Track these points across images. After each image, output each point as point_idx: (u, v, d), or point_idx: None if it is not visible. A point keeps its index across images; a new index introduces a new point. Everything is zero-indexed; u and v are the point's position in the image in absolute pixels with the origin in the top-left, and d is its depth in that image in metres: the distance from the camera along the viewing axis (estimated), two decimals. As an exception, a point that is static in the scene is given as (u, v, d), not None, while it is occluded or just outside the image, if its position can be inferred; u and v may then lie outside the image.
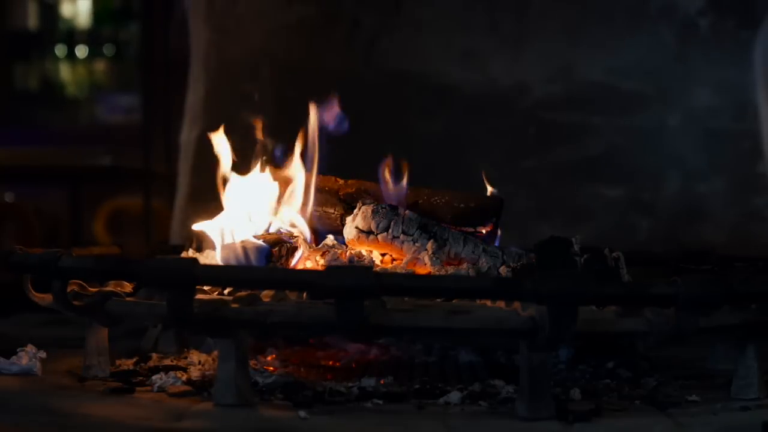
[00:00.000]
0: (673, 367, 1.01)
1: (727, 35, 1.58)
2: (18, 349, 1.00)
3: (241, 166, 1.12)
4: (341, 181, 1.12)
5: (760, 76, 1.57)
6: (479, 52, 1.62)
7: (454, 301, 0.91)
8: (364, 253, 1.03)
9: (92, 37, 2.88)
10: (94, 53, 2.88)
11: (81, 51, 2.87)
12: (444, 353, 0.97)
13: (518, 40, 1.61)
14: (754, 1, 1.59)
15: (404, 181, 1.07)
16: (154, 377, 0.94)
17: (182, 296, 0.84)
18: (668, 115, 1.60)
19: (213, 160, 1.11)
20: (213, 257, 1.05)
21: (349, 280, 0.80)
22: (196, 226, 1.05)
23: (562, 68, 1.61)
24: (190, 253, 1.09)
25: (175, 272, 0.84)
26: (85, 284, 0.96)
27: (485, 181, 1.10)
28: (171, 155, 1.74)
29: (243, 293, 0.89)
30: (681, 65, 1.59)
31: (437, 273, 0.99)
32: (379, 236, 1.03)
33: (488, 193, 1.10)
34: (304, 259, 1.03)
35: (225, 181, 1.09)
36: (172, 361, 1.03)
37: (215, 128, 1.14)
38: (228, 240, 1.04)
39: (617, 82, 1.60)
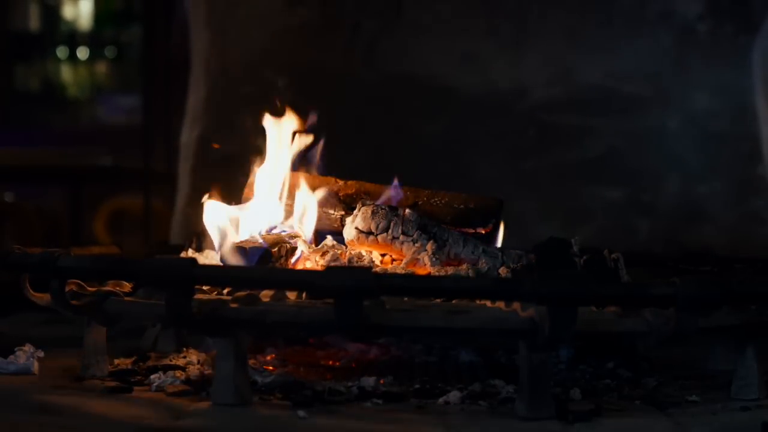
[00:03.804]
0: (673, 367, 1.01)
1: (726, 40, 1.60)
2: (16, 349, 0.99)
3: (242, 168, 1.12)
4: (341, 182, 1.12)
5: (758, 79, 1.58)
6: (479, 55, 1.63)
7: (453, 301, 0.91)
8: (364, 253, 1.03)
9: (94, 38, 2.89)
10: (95, 55, 2.89)
11: (82, 52, 2.88)
12: (444, 353, 0.97)
13: (518, 43, 1.62)
14: (752, 6, 1.60)
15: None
16: (152, 376, 0.94)
17: (181, 296, 0.84)
18: (668, 118, 1.61)
19: (213, 161, 1.11)
20: (213, 257, 1.05)
21: (348, 281, 0.80)
22: (207, 210, 1.04)
23: (562, 71, 1.62)
24: (190, 253, 1.09)
25: (173, 272, 0.84)
26: (83, 284, 0.96)
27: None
28: (171, 156, 1.74)
29: (242, 293, 0.89)
30: (680, 69, 1.60)
31: (437, 273, 0.99)
32: (379, 237, 1.03)
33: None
34: (304, 259, 1.03)
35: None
36: (170, 361, 1.02)
37: (215, 129, 1.14)
38: (229, 239, 1.04)
39: (617, 85, 1.61)
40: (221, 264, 1.01)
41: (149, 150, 2.15)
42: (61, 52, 2.87)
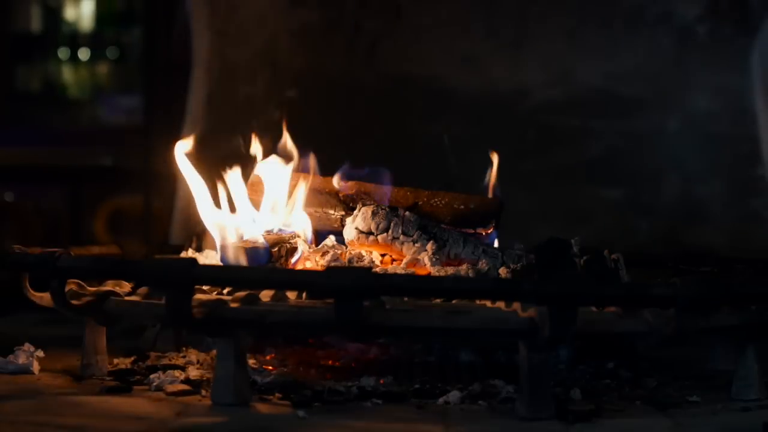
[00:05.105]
0: (673, 368, 1.01)
1: (725, 41, 1.60)
2: (15, 348, 0.99)
3: (243, 167, 1.12)
4: (341, 183, 1.12)
5: (757, 80, 1.58)
6: (479, 57, 1.63)
7: (453, 301, 0.91)
8: (364, 253, 1.04)
9: (95, 39, 2.89)
10: (96, 56, 2.89)
11: (83, 53, 2.89)
12: (444, 353, 0.97)
13: (518, 44, 1.62)
14: (751, 7, 1.60)
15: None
16: (152, 376, 0.94)
17: (181, 296, 0.84)
18: (667, 119, 1.61)
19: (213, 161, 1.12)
20: (213, 257, 1.05)
21: (348, 281, 0.80)
22: (204, 218, 1.04)
23: (562, 73, 1.62)
24: (190, 253, 1.09)
25: (173, 272, 0.84)
26: (83, 284, 0.96)
27: (492, 181, 1.10)
28: (172, 156, 1.74)
29: (242, 293, 0.89)
30: (679, 70, 1.60)
31: (437, 274, 0.99)
32: (379, 237, 1.03)
33: (489, 195, 1.10)
34: (304, 259, 1.03)
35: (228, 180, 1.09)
36: (170, 360, 1.02)
37: (215, 130, 1.14)
38: (229, 239, 1.04)
39: (616, 86, 1.61)
40: (221, 264, 1.01)
41: (149, 150, 2.15)
42: (63, 52, 2.88)
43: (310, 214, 1.09)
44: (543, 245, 1.00)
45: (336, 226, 1.09)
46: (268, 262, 0.99)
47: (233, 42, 1.68)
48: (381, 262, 1.04)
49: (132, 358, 1.03)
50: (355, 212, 1.06)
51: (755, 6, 1.60)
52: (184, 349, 1.06)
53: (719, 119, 1.60)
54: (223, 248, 1.02)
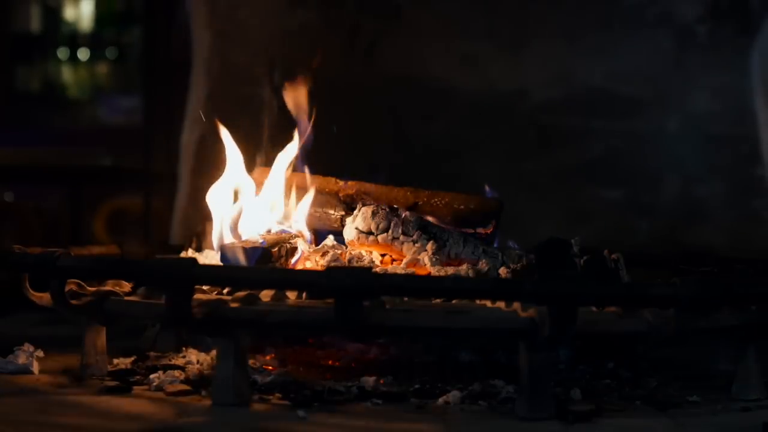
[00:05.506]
0: (673, 368, 1.01)
1: (725, 42, 1.60)
2: (15, 348, 0.99)
3: (243, 167, 1.12)
4: (341, 183, 1.13)
5: (757, 81, 1.58)
6: (479, 57, 1.63)
7: (453, 301, 0.91)
8: (364, 253, 1.04)
9: (94, 39, 2.90)
10: (96, 56, 2.90)
11: (83, 53, 2.89)
12: (444, 353, 0.97)
13: (517, 45, 1.62)
14: (751, 8, 1.61)
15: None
16: (152, 376, 0.94)
17: (181, 296, 0.84)
18: (667, 120, 1.61)
19: (213, 161, 1.12)
20: (213, 257, 1.05)
21: (349, 281, 0.80)
22: (210, 202, 1.04)
23: (562, 73, 1.62)
24: (190, 253, 1.09)
25: (173, 272, 0.85)
26: (83, 284, 0.96)
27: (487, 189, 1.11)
28: (171, 156, 1.75)
29: (242, 293, 0.89)
30: (679, 71, 1.61)
31: (437, 274, 1.00)
32: (379, 237, 1.03)
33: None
34: (304, 259, 1.03)
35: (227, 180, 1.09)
36: (170, 360, 1.03)
37: (215, 130, 1.15)
38: (227, 239, 1.04)
39: (616, 87, 1.61)
40: (221, 264, 1.01)
41: (149, 150, 2.15)
42: (62, 53, 2.89)
43: (310, 214, 1.09)
44: (543, 245, 1.00)
45: (336, 226, 1.09)
46: (261, 261, 0.99)
47: (233, 42, 1.68)
48: (381, 262, 1.04)
49: (132, 358, 1.03)
50: (355, 212, 1.06)
51: (755, 6, 1.60)
52: (184, 349, 1.06)
53: (719, 119, 1.60)
54: (222, 248, 1.02)
